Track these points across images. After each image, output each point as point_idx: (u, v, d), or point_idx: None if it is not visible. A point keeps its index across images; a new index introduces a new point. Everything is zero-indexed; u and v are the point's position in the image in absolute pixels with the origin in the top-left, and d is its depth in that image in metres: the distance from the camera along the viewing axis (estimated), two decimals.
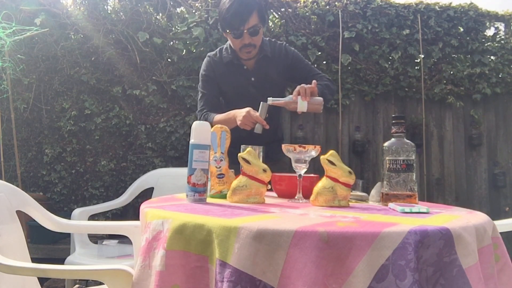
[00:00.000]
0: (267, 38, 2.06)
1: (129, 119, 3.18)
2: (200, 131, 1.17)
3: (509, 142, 3.71)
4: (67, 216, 2.08)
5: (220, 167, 1.29)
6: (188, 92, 3.21)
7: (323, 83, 1.94)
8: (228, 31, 1.86)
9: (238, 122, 1.78)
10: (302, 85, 1.71)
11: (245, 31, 1.81)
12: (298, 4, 3.47)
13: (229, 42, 1.99)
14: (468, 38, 3.66)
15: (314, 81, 1.74)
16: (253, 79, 1.99)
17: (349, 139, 3.51)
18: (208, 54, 2.06)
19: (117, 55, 3.17)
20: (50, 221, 1.45)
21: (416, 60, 3.58)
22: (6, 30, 2.68)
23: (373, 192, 1.35)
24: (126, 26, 3.18)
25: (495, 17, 3.74)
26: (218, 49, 2.06)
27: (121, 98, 3.20)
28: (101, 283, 1.17)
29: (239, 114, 1.78)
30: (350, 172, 1.14)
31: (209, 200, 1.21)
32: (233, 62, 1.98)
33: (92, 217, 2.62)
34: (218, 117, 1.93)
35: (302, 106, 1.70)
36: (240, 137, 1.67)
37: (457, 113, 3.65)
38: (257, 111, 1.76)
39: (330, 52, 3.45)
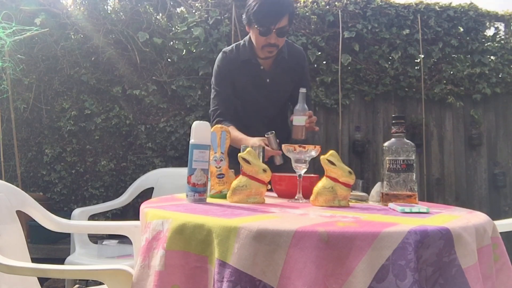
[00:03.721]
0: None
1: (129, 119, 3.18)
2: (200, 131, 1.17)
3: (509, 142, 3.71)
4: (67, 216, 2.08)
5: (220, 167, 1.29)
6: (188, 92, 3.21)
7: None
8: (256, 26, 1.77)
9: None
10: (314, 117, 1.75)
11: (274, 30, 1.76)
12: (298, 4, 3.47)
13: (246, 39, 1.92)
14: (468, 38, 3.66)
15: (317, 128, 1.78)
16: (268, 80, 1.94)
17: (349, 139, 3.51)
18: (224, 50, 1.98)
19: (117, 55, 3.17)
20: (50, 221, 1.45)
21: (416, 60, 3.58)
22: (6, 30, 2.68)
23: (373, 192, 1.35)
24: (126, 26, 3.18)
25: (495, 17, 3.74)
26: (233, 45, 1.98)
27: (121, 98, 3.20)
28: (101, 283, 1.17)
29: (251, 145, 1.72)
30: (350, 172, 1.14)
31: (209, 200, 1.21)
32: (251, 60, 1.91)
33: (92, 217, 2.62)
34: (232, 133, 1.82)
35: (299, 121, 1.73)
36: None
37: (457, 113, 3.65)
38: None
39: (330, 52, 3.45)
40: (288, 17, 1.77)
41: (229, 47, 1.98)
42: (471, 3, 3.69)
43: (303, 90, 1.74)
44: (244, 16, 1.86)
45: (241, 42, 1.96)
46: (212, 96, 1.97)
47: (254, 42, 1.85)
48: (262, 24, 1.75)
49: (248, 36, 1.92)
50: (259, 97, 1.95)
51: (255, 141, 1.71)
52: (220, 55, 1.96)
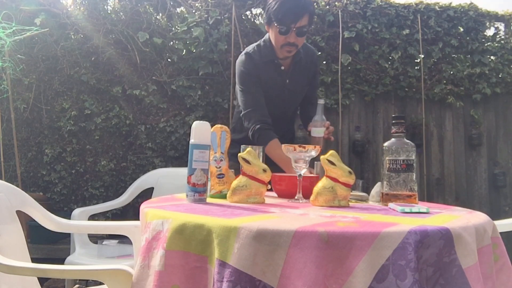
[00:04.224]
0: None
1: (129, 119, 3.17)
2: (200, 131, 1.17)
3: (509, 142, 3.71)
4: (67, 216, 2.08)
5: (220, 167, 1.29)
6: (188, 92, 3.21)
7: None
8: (276, 24, 1.76)
9: None
10: (332, 128, 1.82)
11: (294, 29, 1.75)
12: None
13: (266, 39, 1.91)
14: (468, 38, 3.66)
15: (332, 138, 1.87)
16: (287, 81, 1.94)
17: (349, 139, 3.51)
18: (246, 51, 1.94)
19: (117, 55, 3.17)
20: (50, 221, 1.45)
21: (416, 60, 3.58)
22: (6, 30, 2.68)
23: (373, 192, 1.35)
24: (126, 26, 3.18)
25: (495, 17, 3.74)
26: (254, 45, 1.95)
27: (121, 98, 3.20)
28: (101, 283, 1.17)
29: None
30: (350, 172, 1.14)
31: (209, 200, 1.21)
32: (273, 61, 1.90)
33: (92, 217, 2.62)
34: (272, 149, 1.76)
35: (318, 132, 1.79)
36: (243, 138, 1.67)
37: (457, 113, 3.64)
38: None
39: (330, 52, 3.45)
40: (308, 17, 1.77)
41: (250, 48, 1.94)
42: (471, 3, 3.69)
43: (321, 101, 1.77)
44: (264, 15, 1.87)
45: (261, 42, 1.94)
46: (242, 99, 1.90)
47: (273, 41, 1.84)
48: (282, 23, 1.74)
49: (267, 36, 1.91)
50: (279, 97, 1.94)
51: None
52: (243, 57, 1.92)
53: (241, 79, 1.91)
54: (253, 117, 1.85)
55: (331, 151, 1.15)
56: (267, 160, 1.43)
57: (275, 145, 1.77)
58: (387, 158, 1.23)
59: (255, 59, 1.89)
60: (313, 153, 1.22)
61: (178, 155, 3.20)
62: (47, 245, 2.77)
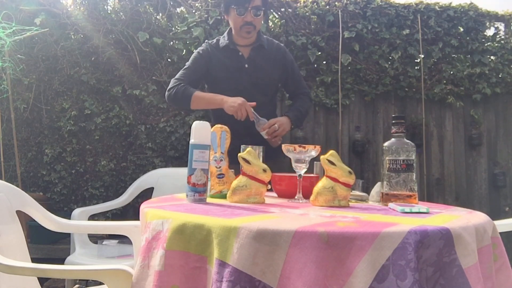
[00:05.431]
0: (265, 36, 2.15)
1: (129, 119, 3.17)
2: (200, 131, 1.17)
3: (509, 142, 3.71)
4: (67, 216, 2.08)
5: (220, 167, 1.29)
6: None
7: (302, 109, 2.13)
8: (233, 6, 1.95)
9: (230, 108, 1.85)
10: (275, 125, 1.90)
11: (250, 8, 1.92)
12: (298, 4, 3.47)
13: (226, 31, 2.10)
14: (468, 38, 3.66)
15: (280, 132, 1.92)
16: (246, 66, 2.04)
17: (349, 139, 3.51)
18: (206, 41, 2.16)
19: (117, 55, 3.17)
20: (50, 221, 1.45)
21: (416, 60, 3.58)
22: (6, 30, 2.68)
23: (373, 192, 1.35)
24: (126, 26, 3.18)
25: (495, 17, 3.74)
26: (216, 38, 2.17)
27: (121, 98, 3.20)
28: (101, 283, 1.17)
29: (232, 100, 1.86)
30: (350, 172, 1.14)
31: (209, 200, 1.21)
32: (229, 47, 2.05)
33: (92, 217, 2.62)
34: (201, 93, 1.99)
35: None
36: (239, 136, 1.67)
37: (457, 113, 3.64)
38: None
39: (330, 52, 3.45)
40: None
41: (211, 40, 2.17)
42: (471, 3, 3.69)
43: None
44: (222, 6, 2.05)
45: (221, 35, 2.14)
46: (182, 69, 2.08)
47: (233, 25, 2.02)
48: (238, 4, 1.93)
49: (228, 28, 2.10)
50: (240, 82, 2.03)
51: (236, 98, 1.86)
52: (203, 44, 2.14)
53: (191, 58, 2.10)
54: (178, 81, 2.02)
55: (331, 151, 1.15)
56: (267, 160, 1.43)
57: (199, 91, 1.98)
58: (387, 158, 1.23)
59: (211, 46, 2.10)
60: (313, 153, 1.22)
61: (178, 155, 3.20)
62: (47, 245, 2.77)
